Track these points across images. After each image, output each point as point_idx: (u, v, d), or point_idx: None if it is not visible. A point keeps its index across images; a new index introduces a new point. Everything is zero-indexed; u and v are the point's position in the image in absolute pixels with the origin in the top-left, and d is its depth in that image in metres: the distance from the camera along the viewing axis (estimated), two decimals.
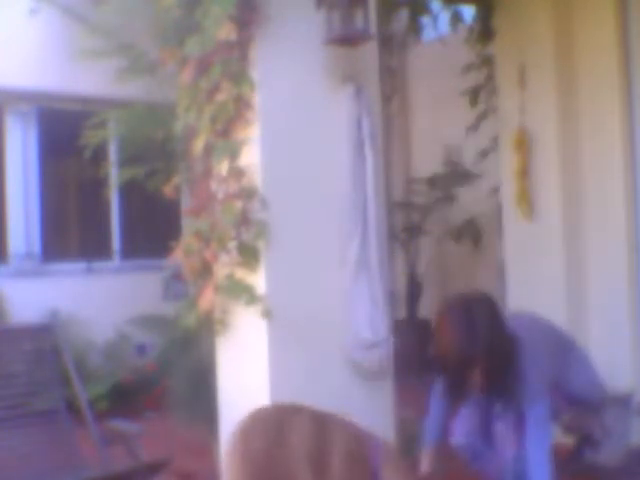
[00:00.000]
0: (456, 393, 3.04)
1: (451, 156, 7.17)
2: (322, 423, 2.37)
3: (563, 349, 3.13)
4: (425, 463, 3.12)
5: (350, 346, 3.19)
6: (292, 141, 3.13)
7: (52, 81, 6.46)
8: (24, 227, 6.66)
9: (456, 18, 5.37)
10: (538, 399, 2.88)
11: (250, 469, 2.30)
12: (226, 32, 3.00)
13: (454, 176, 7.01)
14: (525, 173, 4.64)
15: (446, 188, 7.08)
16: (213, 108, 3.06)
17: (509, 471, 2.96)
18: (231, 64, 3.03)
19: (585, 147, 4.62)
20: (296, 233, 3.12)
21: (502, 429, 2.98)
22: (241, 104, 3.05)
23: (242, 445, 2.35)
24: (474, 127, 5.59)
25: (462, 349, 2.80)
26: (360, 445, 2.35)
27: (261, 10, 3.04)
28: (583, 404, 3.17)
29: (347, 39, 3.12)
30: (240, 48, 3.05)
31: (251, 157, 3.06)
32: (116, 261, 7.13)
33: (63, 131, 6.56)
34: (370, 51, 3.33)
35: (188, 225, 3.30)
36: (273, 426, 2.37)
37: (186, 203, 3.50)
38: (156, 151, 4.55)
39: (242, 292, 3.02)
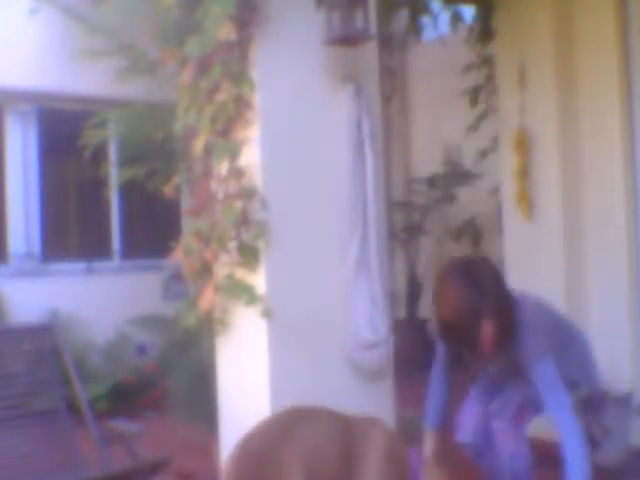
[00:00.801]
0: (460, 361, 3.00)
1: (451, 156, 7.18)
2: (348, 425, 2.34)
3: (562, 332, 3.08)
4: (429, 444, 3.09)
5: (350, 346, 3.19)
6: (292, 141, 3.13)
7: (52, 81, 6.46)
8: (24, 227, 6.66)
9: (456, 18, 5.37)
10: (542, 358, 2.76)
11: (242, 469, 2.30)
12: (226, 32, 3.00)
13: (454, 176, 7.01)
14: (525, 173, 4.64)
15: (446, 188, 7.08)
16: (213, 108, 3.06)
17: (506, 471, 2.95)
18: (231, 64, 3.03)
19: (585, 147, 4.62)
20: (296, 233, 3.12)
21: (500, 427, 2.97)
22: (241, 104, 3.05)
23: (240, 446, 2.35)
24: (474, 127, 5.60)
25: (469, 304, 2.69)
26: (399, 445, 2.33)
27: (261, 10, 3.04)
28: (579, 395, 3.12)
29: (347, 39, 3.12)
30: (240, 48, 3.05)
31: (251, 157, 3.06)
32: (116, 261, 7.13)
33: (63, 131, 6.56)
34: (370, 51, 3.33)
35: (188, 225, 3.30)
36: (277, 428, 2.36)
37: (186, 203, 3.50)
38: (156, 151, 4.55)
39: (242, 292, 3.02)
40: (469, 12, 5.46)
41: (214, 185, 3.13)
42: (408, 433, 3.56)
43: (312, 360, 3.12)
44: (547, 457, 3.01)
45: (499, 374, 3.07)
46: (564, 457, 2.65)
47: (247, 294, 3.00)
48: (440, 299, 2.80)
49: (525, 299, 2.93)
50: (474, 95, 5.44)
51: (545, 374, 2.75)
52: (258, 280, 3.03)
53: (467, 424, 3.12)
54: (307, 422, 2.43)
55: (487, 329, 2.70)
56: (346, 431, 2.38)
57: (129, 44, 4.69)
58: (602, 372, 3.39)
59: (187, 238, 3.22)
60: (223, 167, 3.09)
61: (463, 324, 2.71)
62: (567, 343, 3.04)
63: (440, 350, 3.15)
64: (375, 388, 3.28)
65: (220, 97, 3.06)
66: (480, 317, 2.69)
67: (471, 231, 6.96)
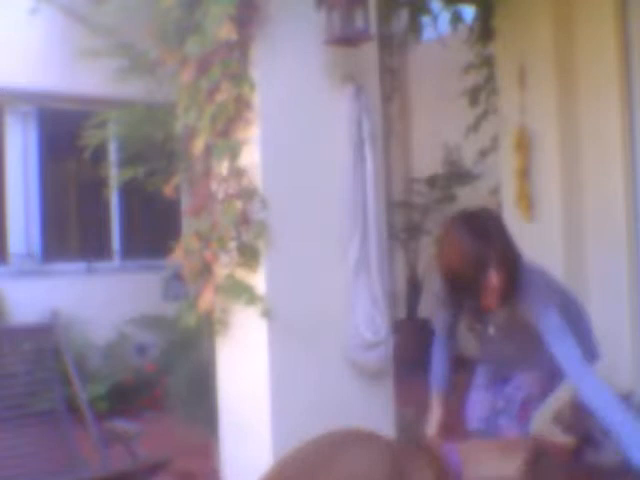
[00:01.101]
0: (464, 311, 2.97)
1: (451, 156, 7.18)
2: (393, 454, 2.21)
3: (570, 306, 3.06)
4: (436, 409, 3.08)
5: (350, 346, 3.19)
6: (292, 141, 3.13)
7: (52, 81, 6.46)
8: (24, 227, 6.67)
9: (456, 18, 5.37)
10: (548, 309, 2.72)
11: None
12: (226, 32, 2.99)
13: (454, 176, 7.01)
14: (525, 173, 4.64)
15: (446, 188, 7.08)
16: (213, 108, 3.06)
17: None
18: (231, 64, 3.03)
19: (585, 147, 4.62)
20: (296, 233, 3.12)
21: (506, 424, 2.97)
22: (241, 104, 3.05)
23: (273, 472, 2.25)
24: (474, 127, 5.60)
25: (474, 252, 2.66)
26: (445, 469, 2.24)
27: (261, 10, 3.04)
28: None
29: (347, 39, 3.12)
30: (240, 48, 3.05)
31: (251, 157, 3.06)
32: (116, 261, 7.13)
33: (63, 131, 6.56)
34: (370, 51, 3.33)
35: (188, 225, 3.30)
36: (314, 456, 2.23)
37: (186, 203, 3.50)
38: (156, 151, 4.55)
39: (242, 292, 3.02)
40: (469, 12, 5.46)
41: (214, 185, 3.13)
42: (408, 433, 3.57)
43: (312, 360, 3.12)
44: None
45: (500, 335, 3.00)
46: (584, 404, 2.60)
47: (247, 294, 3.00)
48: (445, 249, 2.78)
49: (531, 262, 2.92)
50: (474, 95, 5.44)
51: (554, 326, 2.69)
52: (258, 280, 3.03)
53: (475, 412, 3.12)
54: (347, 449, 2.32)
55: (492, 278, 2.67)
56: (390, 461, 2.26)
57: (129, 44, 4.69)
58: (602, 372, 3.39)
59: (187, 238, 3.22)
60: (223, 167, 3.09)
61: (469, 273, 2.68)
62: (575, 318, 3.00)
63: (439, 321, 3.13)
64: (375, 388, 3.28)
65: (220, 97, 3.06)
66: (486, 266, 2.66)
67: None
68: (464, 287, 2.74)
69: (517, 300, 2.78)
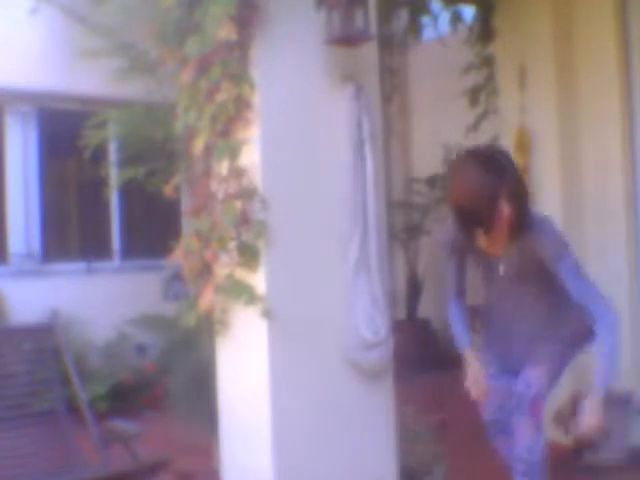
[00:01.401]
0: (474, 254, 3.03)
1: (451, 156, 7.17)
2: None
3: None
4: (472, 362, 3.14)
5: (350, 346, 3.19)
6: (292, 141, 3.13)
7: (52, 81, 6.46)
8: (24, 227, 6.67)
9: (456, 18, 5.37)
10: (566, 249, 2.87)
11: None
12: (226, 32, 2.99)
13: None
14: (525, 173, 4.63)
15: (446, 188, 7.07)
16: (213, 108, 3.06)
17: (523, 460, 2.96)
18: (231, 64, 3.03)
19: (585, 147, 4.62)
20: (296, 233, 3.12)
21: (519, 421, 2.97)
22: (241, 104, 3.05)
23: None
24: (474, 127, 5.59)
25: (485, 185, 2.77)
26: None
27: (261, 10, 3.04)
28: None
29: (347, 39, 3.12)
30: (240, 48, 3.04)
31: (251, 157, 3.06)
32: (116, 261, 7.13)
33: (63, 131, 6.57)
34: (370, 51, 3.33)
35: (188, 225, 3.30)
36: None
37: (186, 203, 3.50)
38: (156, 151, 4.55)
39: (242, 292, 3.02)
40: (469, 12, 5.47)
41: (214, 185, 3.13)
42: (408, 433, 3.57)
43: (312, 360, 3.12)
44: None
45: (510, 274, 3.04)
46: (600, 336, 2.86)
47: (247, 294, 3.00)
48: (457, 183, 2.88)
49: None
50: (474, 95, 5.44)
51: (571, 266, 2.85)
52: (258, 280, 3.03)
53: (489, 404, 3.14)
54: None
55: (504, 209, 2.78)
56: None
57: (129, 44, 4.68)
58: None
59: (187, 238, 3.22)
60: (223, 167, 3.09)
61: (481, 205, 2.78)
62: None
63: (450, 277, 3.22)
64: (375, 388, 3.28)
65: (220, 97, 3.06)
66: (497, 198, 2.76)
67: None
68: (477, 220, 2.84)
69: (531, 236, 2.88)
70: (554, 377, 3.04)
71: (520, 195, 2.84)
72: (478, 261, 3.13)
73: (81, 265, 6.89)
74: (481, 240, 2.99)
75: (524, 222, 2.86)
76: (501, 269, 3.04)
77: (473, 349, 3.18)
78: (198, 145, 3.13)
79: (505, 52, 4.90)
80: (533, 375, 2.98)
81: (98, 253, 7.06)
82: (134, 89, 4.71)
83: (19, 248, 6.62)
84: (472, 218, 2.85)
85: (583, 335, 3.03)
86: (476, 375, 3.12)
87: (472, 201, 2.80)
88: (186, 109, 3.20)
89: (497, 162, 2.85)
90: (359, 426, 3.23)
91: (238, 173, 3.06)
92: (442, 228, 3.24)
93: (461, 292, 3.25)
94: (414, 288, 7.55)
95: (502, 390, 3.12)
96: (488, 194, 2.77)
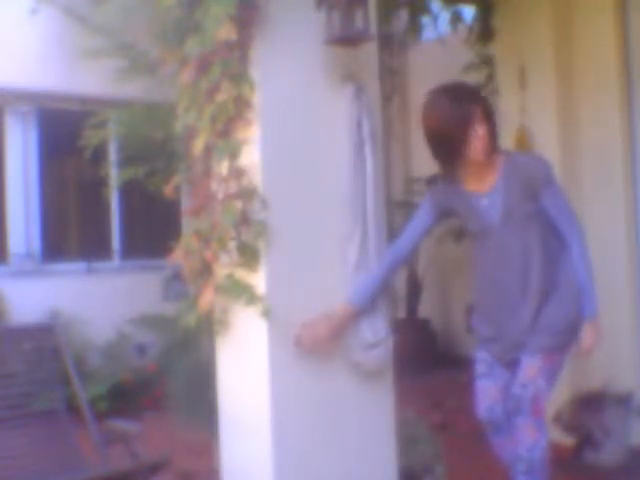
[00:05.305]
0: (456, 166, 3.09)
1: None
2: None
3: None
4: (334, 315, 3.08)
5: (350, 346, 3.19)
6: (292, 141, 3.13)
7: (52, 81, 6.47)
8: (24, 227, 6.67)
9: (456, 18, 5.37)
10: (554, 180, 3.03)
11: None
12: (226, 32, 2.99)
13: None
14: None
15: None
16: (213, 108, 3.06)
17: (524, 459, 2.96)
18: (231, 64, 3.03)
19: (585, 147, 4.62)
20: (296, 233, 3.12)
21: (520, 421, 2.97)
22: (241, 104, 3.05)
23: None
24: None
25: (455, 111, 2.95)
26: None
27: (261, 10, 3.04)
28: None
29: (347, 39, 3.12)
30: (240, 48, 3.04)
31: (251, 157, 3.06)
32: (116, 261, 7.14)
33: (63, 131, 6.57)
34: (370, 51, 3.33)
35: (188, 225, 3.30)
36: None
37: (186, 203, 3.50)
38: (156, 151, 4.55)
39: (242, 292, 3.02)
40: (469, 12, 5.47)
41: (214, 185, 3.13)
42: (408, 433, 3.57)
43: (312, 360, 3.12)
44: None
45: (494, 202, 3.07)
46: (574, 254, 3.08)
47: (247, 294, 3.00)
48: (429, 114, 3.05)
49: None
50: None
51: (558, 189, 3.05)
52: (258, 280, 3.03)
53: (481, 402, 3.13)
54: None
55: (479, 129, 2.93)
56: None
57: (129, 44, 4.69)
58: (602, 371, 3.40)
59: (187, 238, 3.21)
60: (223, 167, 3.09)
61: (455, 130, 2.94)
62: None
63: (413, 223, 3.26)
64: (375, 388, 3.28)
65: (220, 97, 3.06)
66: (469, 121, 2.93)
67: None
68: (453, 148, 2.98)
69: (516, 164, 3.01)
70: (552, 375, 3.02)
71: (491, 115, 3.00)
72: (466, 209, 3.12)
73: (81, 265, 6.90)
74: (467, 182, 3.09)
75: (497, 142, 3.02)
76: (484, 201, 3.08)
77: (349, 310, 3.10)
78: (198, 145, 3.13)
79: (505, 52, 4.90)
80: (527, 376, 2.97)
81: (98, 253, 7.06)
82: (134, 89, 4.71)
83: (19, 248, 6.63)
84: (448, 146, 2.98)
85: (576, 325, 3.04)
86: (320, 324, 3.04)
87: (446, 127, 2.96)
88: (186, 109, 3.20)
89: (465, 89, 3.08)
90: (359, 426, 3.23)
91: (238, 173, 3.06)
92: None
93: (402, 251, 3.22)
94: (414, 288, 7.55)
95: (491, 391, 3.11)
96: (461, 117, 2.93)
